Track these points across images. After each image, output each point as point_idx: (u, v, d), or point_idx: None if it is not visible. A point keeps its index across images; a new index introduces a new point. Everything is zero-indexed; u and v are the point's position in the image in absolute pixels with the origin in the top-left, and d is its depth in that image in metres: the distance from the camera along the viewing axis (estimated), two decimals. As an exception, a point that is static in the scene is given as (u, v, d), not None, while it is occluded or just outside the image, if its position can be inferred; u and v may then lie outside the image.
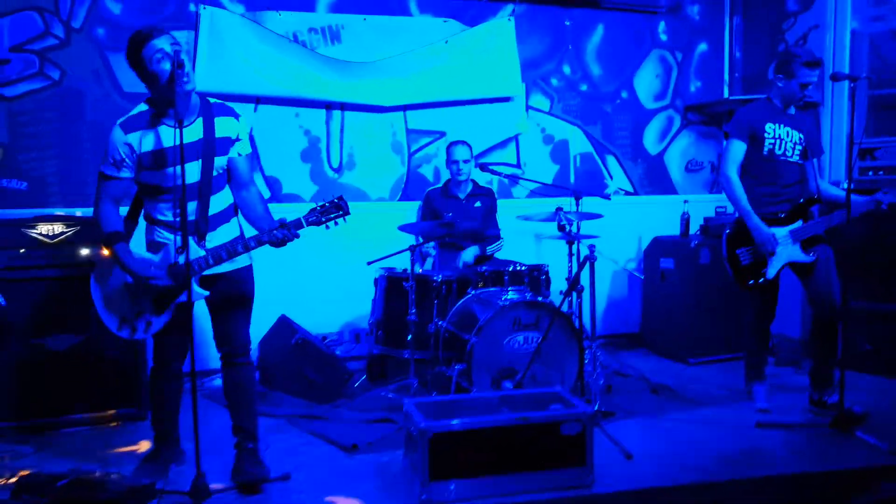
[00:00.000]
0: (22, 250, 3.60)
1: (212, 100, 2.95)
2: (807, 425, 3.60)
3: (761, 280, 3.74)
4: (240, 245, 2.85)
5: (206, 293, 2.90)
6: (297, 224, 2.84)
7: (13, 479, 2.90)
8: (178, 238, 2.79)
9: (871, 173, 4.68)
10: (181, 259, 2.78)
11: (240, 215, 3.07)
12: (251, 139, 3.07)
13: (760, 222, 3.69)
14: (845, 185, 3.63)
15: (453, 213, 4.56)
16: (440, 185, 4.85)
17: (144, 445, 3.22)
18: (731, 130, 3.85)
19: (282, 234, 2.82)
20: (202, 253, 2.84)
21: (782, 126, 3.77)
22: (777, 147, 3.76)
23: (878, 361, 4.45)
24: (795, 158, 3.79)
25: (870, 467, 3.12)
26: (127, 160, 2.82)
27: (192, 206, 2.81)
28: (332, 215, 2.89)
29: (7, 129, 4.21)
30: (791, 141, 3.78)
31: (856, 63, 5.08)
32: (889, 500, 2.95)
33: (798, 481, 3.07)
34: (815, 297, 3.77)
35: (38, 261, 3.62)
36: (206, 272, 2.87)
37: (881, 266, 4.49)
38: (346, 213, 2.91)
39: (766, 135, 3.75)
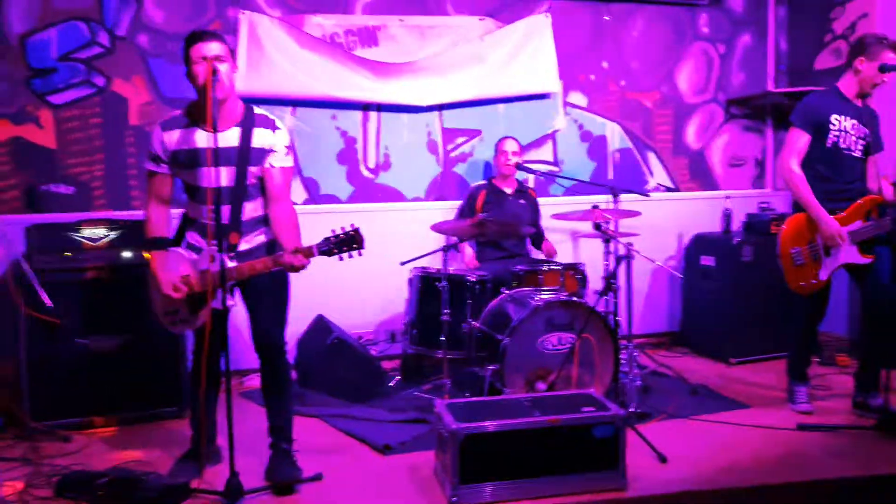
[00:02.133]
0: (67, 253, 3.72)
1: (258, 110, 3.00)
2: (850, 428, 3.50)
3: (813, 281, 3.63)
4: (260, 264, 2.82)
5: (234, 303, 2.95)
6: (308, 252, 2.75)
7: (56, 478, 3.00)
8: (209, 243, 2.89)
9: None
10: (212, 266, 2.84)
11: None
12: (291, 152, 3.02)
13: (828, 215, 3.55)
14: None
15: (501, 210, 4.57)
16: (484, 181, 4.85)
17: (183, 445, 3.28)
18: (796, 119, 3.68)
19: (289, 260, 2.74)
20: (231, 264, 2.86)
21: (848, 118, 3.61)
22: (841, 140, 3.61)
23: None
24: (858, 154, 3.64)
25: (915, 473, 3.03)
26: (161, 156, 2.96)
27: (225, 211, 2.88)
28: (345, 248, 2.76)
29: (55, 136, 4.34)
30: (856, 135, 3.62)
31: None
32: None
33: (839, 486, 3.00)
34: (867, 296, 3.65)
35: (82, 263, 3.72)
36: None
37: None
38: (362, 247, 2.77)
39: (831, 126, 3.59)
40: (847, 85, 3.65)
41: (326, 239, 2.77)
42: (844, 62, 3.71)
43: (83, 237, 3.76)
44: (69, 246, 3.73)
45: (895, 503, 2.94)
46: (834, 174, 3.63)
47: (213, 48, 2.82)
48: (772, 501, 2.97)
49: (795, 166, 3.62)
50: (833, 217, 3.56)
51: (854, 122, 3.61)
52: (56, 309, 3.54)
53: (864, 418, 3.58)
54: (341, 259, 2.78)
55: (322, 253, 2.76)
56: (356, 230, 2.78)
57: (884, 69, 3.51)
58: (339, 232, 2.77)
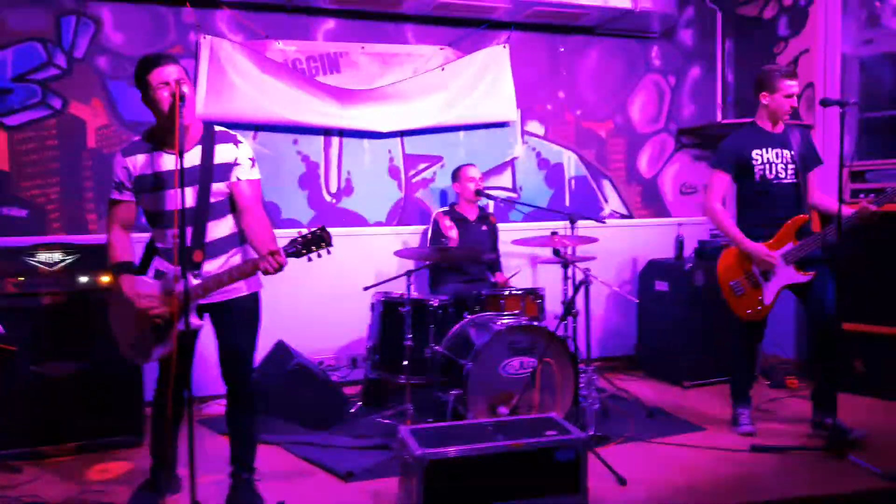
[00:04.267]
0: (21, 278, 3.64)
1: (217, 128, 2.98)
2: (800, 449, 3.61)
3: (759, 308, 3.78)
4: (225, 275, 2.81)
5: (202, 323, 2.93)
6: (277, 254, 2.70)
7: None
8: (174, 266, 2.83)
9: (862, 195, 4.72)
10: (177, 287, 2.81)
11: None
12: (257, 165, 3.00)
13: (753, 243, 3.74)
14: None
15: (464, 236, 4.62)
16: (447, 207, 4.90)
17: (141, 473, 3.22)
18: (716, 163, 3.92)
19: (263, 265, 2.70)
20: (195, 282, 2.83)
21: (769, 149, 3.80)
22: (768, 171, 3.78)
23: (873, 384, 4.47)
24: (790, 179, 3.80)
25: (862, 492, 3.14)
26: (125, 183, 2.91)
27: (189, 232, 2.84)
28: (313, 247, 2.74)
29: (9, 157, 4.26)
30: (782, 161, 3.80)
31: (847, 86, 5.14)
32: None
33: (791, 506, 3.10)
34: (812, 316, 3.79)
35: (38, 288, 3.64)
36: (208, 301, 2.89)
37: (875, 287, 4.52)
38: (329, 244, 2.75)
39: (754, 161, 3.79)
40: (761, 118, 3.88)
41: (293, 241, 2.75)
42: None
43: (39, 262, 3.68)
44: (24, 270, 3.64)
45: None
46: (768, 204, 3.80)
47: (174, 71, 2.79)
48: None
49: (717, 205, 3.85)
50: (762, 243, 3.74)
51: (777, 150, 3.81)
52: (10, 335, 3.46)
53: (815, 438, 3.69)
54: (310, 260, 2.76)
55: (290, 255, 2.73)
56: (322, 228, 2.76)
57: (789, 97, 3.75)
58: (305, 232, 2.76)
